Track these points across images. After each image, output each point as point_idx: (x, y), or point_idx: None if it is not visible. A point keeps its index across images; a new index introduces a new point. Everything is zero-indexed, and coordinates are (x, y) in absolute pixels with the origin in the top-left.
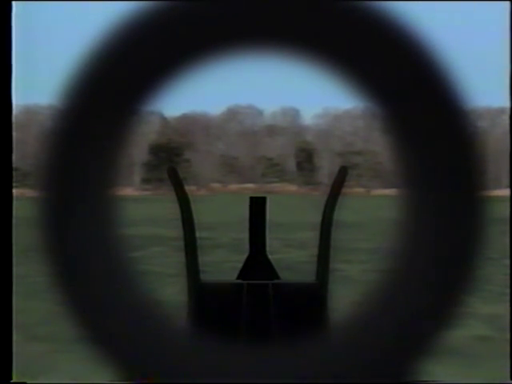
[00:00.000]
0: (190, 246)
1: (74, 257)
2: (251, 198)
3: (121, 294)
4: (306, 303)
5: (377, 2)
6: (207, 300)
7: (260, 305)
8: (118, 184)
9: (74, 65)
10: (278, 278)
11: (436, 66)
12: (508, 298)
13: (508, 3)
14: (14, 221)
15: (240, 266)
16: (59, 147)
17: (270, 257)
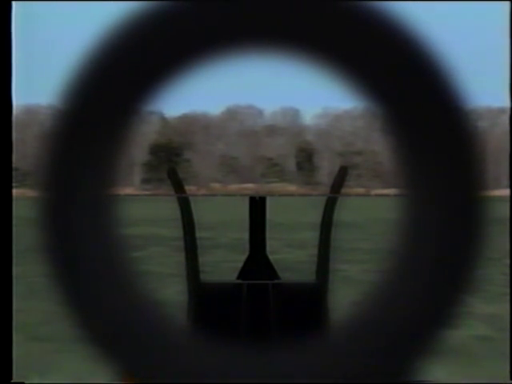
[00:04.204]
0: (190, 246)
1: (74, 257)
2: (251, 198)
3: (121, 294)
4: (305, 303)
5: (377, 3)
6: (207, 300)
7: (260, 305)
8: (117, 184)
9: (74, 65)
10: (278, 278)
11: (436, 67)
12: (508, 297)
13: (508, 3)
14: (14, 221)
15: (240, 265)
16: (59, 147)
17: (269, 257)
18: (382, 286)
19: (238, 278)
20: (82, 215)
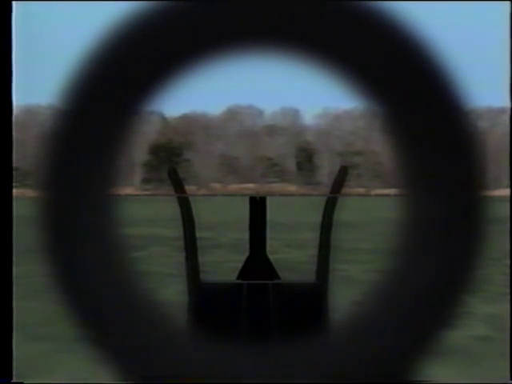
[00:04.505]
0: (190, 246)
1: (74, 257)
2: (251, 198)
3: (121, 294)
4: (305, 303)
5: (377, 3)
6: (207, 300)
7: (260, 305)
8: (118, 184)
9: (74, 65)
10: (278, 278)
11: (436, 67)
12: (508, 297)
13: (508, 3)
14: (14, 221)
15: (240, 266)
16: (59, 147)
17: (269, 257)
18: (382, 286)
19: (238, 277)
20: (82, 215)
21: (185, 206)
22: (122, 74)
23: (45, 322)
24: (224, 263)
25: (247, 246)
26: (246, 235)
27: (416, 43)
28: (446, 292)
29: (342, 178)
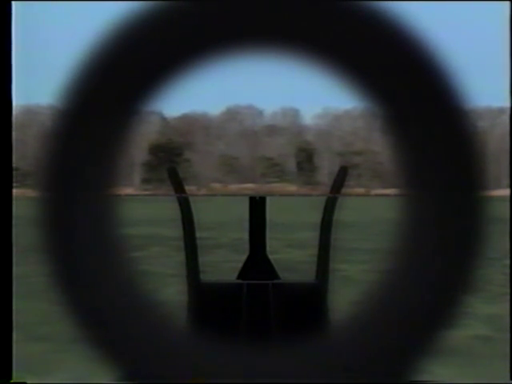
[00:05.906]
0: (190, 246)
1: (74, 257)
2: (251, 198)
3: (121, 294)
4: (305, 303)
5: (377, 3)
6: (207, 300)
7: (260, 305)
8: (118, 184)
9: (74, 65)
10: (277, 278)
11: (436, 67)
12: (508, 297)
13: (508, 3)
14: (13, 221)
15: (240, 266)
16: (59, 147)
17: (269, 257)
18: (381, 286)
19: (238, 277)
20: (82, 215)
21: (185, 206)
22: (121, 74)
23: (45, 321)
24: (224, 263)
25: (247, 246)
26: (246, 235)
27: (416, 43)
28: (446, 292)
29: (341, 178)
